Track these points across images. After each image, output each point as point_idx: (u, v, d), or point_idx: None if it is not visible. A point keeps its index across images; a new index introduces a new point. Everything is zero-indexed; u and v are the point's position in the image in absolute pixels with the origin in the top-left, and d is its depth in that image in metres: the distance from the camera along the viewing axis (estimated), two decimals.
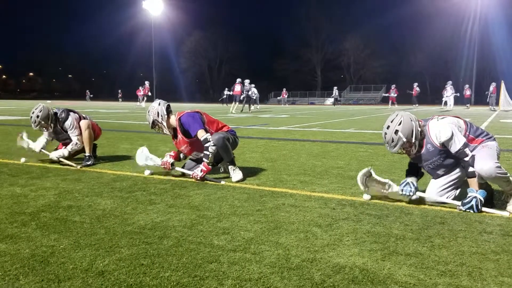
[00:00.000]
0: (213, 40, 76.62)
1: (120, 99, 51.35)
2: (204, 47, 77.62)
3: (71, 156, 5.11)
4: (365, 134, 9.66)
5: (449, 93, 26.53)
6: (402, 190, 3.34)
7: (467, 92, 30.57)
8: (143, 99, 32.68)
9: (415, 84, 31.85)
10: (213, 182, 4.11)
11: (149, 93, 33.10)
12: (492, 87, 27.85)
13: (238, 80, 23.47)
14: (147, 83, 33.30)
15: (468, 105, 30.32)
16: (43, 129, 5.10)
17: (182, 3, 69.13)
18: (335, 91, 40.02)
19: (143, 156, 4.45)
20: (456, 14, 55.10)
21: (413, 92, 31.21)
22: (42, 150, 5.11)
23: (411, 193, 3.30)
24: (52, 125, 5.06)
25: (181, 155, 4.52)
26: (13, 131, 9.90)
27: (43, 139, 5.18)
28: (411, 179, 3.39)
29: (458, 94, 27.08)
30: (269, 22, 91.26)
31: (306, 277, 1.98)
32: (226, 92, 24.97)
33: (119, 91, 52.47)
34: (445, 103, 27.47)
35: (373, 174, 3.43)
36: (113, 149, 6.61)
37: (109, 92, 61.98)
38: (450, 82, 27.13)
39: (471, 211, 3.08)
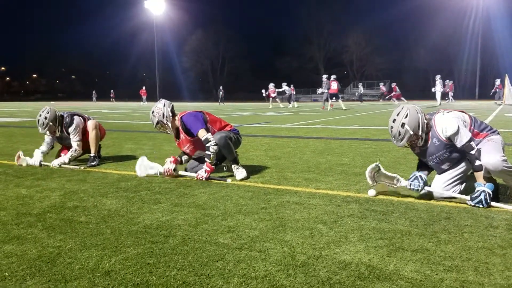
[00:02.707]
0: (215, 39, 76.62)
1: (112, 99, 51.12)
2: (206, 46, 77.62)
3: (70, 162, 5.08)
4: (369, 130, 9.63)
5: (438, 88, 26.21)
6: (410, 185, 3.32)
7: (449, 88, 31.43)
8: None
9: (393, 84, 32.11)
10: (218, 180, 4.12)
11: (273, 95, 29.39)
12: (497, 83, 27.94)
13: (333, 77, 23.22)
14: (271, 85, 29.15)
15: (452, 99, 30.66)
16: (49, 134, 5.07)
17: (183, 2, 69.19)
18: (361, 87, 38.95)
19: (143, 167, 4.37)
20: (458, 8, 54.88)
21: (393, 92, 31.33)
22: (42, 163, 5.04)
23: (420, 188, 3.28)
24: (59, 128, 5.06)
25: (183, 158, 4.44)
26: (18, 133, 9.95)
27: (39, 152, 5.09)
28: (421, 173, 3.37)
29: (441, 89, 26.62)
30: (271, 20, 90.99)
31: (312, 274, 1.98)
32: (322, 90, 24.18)
33: (112, 91, 52.28)
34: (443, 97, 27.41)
35: (382, 169, 3.41)
36: (117, 149, 6.63)
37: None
38: (438, 76, 26.79)
39: (480, 206, 3.06)
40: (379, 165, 3.41)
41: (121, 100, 53.07)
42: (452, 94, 33.48)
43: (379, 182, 3.42)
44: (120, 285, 1.89)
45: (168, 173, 4.28)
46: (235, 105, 36.37)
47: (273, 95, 29.00)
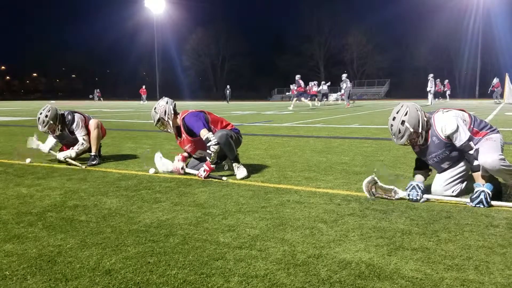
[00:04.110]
0: (215, 37, 76.61)
1: (99, 99, 50.59)
2: (207, 45, 77.60)
3: (77, 156, 5.11)
4: (369, 129, 9.63)
5: (429, 87, 25.92)
6: (408, 195, 3.28)
7: (446, 87, 31.46)
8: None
9: (343, 82, 31.86)
10: (218, 179, 4.12)
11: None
12: (496, 80, 27.82)
13: (298, 76, 24.38)
14: (311, 83, 28.71)
15: (443, 99, 30.65)
16: (49, 132, 5.08)
17: (183, 1, 69.13)
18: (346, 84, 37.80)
19: (159, 162, 4.46)
20: (459, 7, 54.84)
21: (342, 93, 30.99)
22: (51, 151, 5.14)
23: (418, 197, 3.26)
24: (59, 126, 5.06)
25: (188, 156, 4.53)
26: (19, 132, 9.95)
27: (51, 139, 5.21)
28: (417, 182, 3.33)
29: (432, 88, 26.26)
30: (271, 18, 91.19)
31: (312, 273, 1.98)
32: (343, 89, 24.63)
33: (97, 90, 51.68)
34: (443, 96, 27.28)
35: (378, 182, 3.35)
36: (117, 148, 6.63)
37: (112, 91, 62.00)
38: (431, 75, 26.52)
39: (481, 206, 3.05)
40: (375, 178, 3.35)
41: (110, 99, 52.63)
42: (449, 93, 33.40)
43: (377, 195, 3.36)
44: (120, 284, 1.89)
45: (177, 172, 4.36)
46: (241, 104, 36.34)
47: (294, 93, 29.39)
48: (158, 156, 4.50)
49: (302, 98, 24.30)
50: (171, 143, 6.86)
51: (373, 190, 3.36)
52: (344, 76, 24.67)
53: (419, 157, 3.50)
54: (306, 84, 26.96)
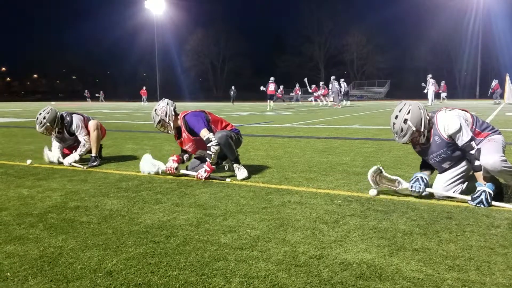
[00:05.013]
0: (215, 38, 76.58)
1: (89, 100, 50.48)
2: (207, 45, 77.56)
3: (80, 158, 5.13)
4: (370, 130, 9.63)
5: (426, 89, 25.87)
6: (411, 187, 3.31)
7: (443, 88, 31.66)
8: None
9: (320, 83, 31.35)
10: (219, 180, 4.12)
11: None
12: (494, 83, 27.85)
13: (272, 78, 24.84)
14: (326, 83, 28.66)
15: (437, 99, 30.77)
16: (47, 133, 5.08)
17: (184, 2, 69.11)
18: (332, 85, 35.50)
19: (147, 164, 4.44)
20: (459, 7, 54.82)
21: (313, 90, 30.45)
22: (59, 159, 5.15)
23: (421, 190, 3.28)
24: (56, 129, 5.06)
25: (185, 157, 4.49)
26: (19, 133, 9.95)
27: (56, 148, 5.21)
28: (423, 174, 3.36)
29: (425, 88, 26.10)
30: (271, 18, 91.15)
31: (314, 274, 1.98)
32: (332, 90, 24.82)
33: (86, 91, 51.39)
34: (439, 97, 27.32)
35: (383, 172, 3.41)
36: (118, 149, 6.63)
37: (112, 92, 61.86)
38: (430, 75, 26.41)
39: (481, 206, 3.05)
40: (381, 167, 3.41)
41: (111, 100, 52.55)
42: (446, 95, 33.42)
43: (381, 184, 3.42)
44: (122, 285, 1.89)
45: (170, 172, 4.31)
46: (243, 105, 36.33)
47: (316, 94, 29.39)
48: (146, 157, 4.48)
49: (268, 100, 24.65)
50: (171, 144, 6.86)
51: (377, 179, 3.40)
52: (332, 78, 25.22)
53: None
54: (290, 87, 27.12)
